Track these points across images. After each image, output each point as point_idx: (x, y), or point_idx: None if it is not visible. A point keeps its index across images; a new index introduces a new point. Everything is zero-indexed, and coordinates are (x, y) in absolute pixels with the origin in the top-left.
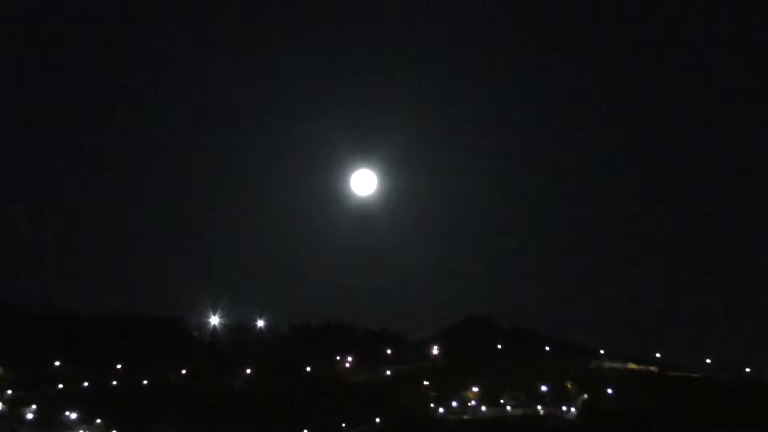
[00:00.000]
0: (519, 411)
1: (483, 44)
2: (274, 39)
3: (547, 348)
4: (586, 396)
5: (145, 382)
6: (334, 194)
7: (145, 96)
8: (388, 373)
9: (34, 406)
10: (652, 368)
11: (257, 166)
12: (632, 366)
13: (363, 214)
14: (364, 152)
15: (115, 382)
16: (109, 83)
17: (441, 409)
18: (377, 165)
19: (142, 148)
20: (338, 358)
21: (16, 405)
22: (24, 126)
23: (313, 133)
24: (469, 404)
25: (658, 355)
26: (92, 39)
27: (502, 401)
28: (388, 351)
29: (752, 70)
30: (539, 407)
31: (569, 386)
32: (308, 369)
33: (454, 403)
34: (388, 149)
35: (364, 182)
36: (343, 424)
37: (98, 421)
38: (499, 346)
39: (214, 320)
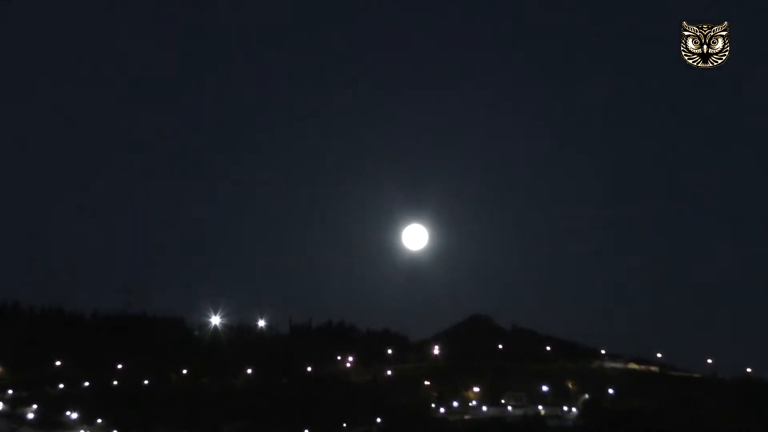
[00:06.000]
0: (520, 411)
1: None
2: (330, 97)
3: (548, 348)
4: (587, 396)
5: (146, 382)
6: (385, 248)
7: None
8: (389, 373)
9: (34, 406)
10: (653, 368)
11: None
12: (633, 366)
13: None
14: (415, 207)
15: (115, 382)
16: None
17: (442, 409)
18: (428, 220)
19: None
20: (339, 358)
21: (17, 404)
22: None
23: (365, 188)
24: (470, 404)
25: (659, 355)
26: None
27: (502, 401)
28: (389, 351)
29: None
30: (540, 407)
31: (570, 386)
32: (309, 369)
33: (455, 403)
34: (439, 204)
35: (415, 237)
36: (344, 424)
37: (99, 421)
38: (500, 346)
39: (215, 320)
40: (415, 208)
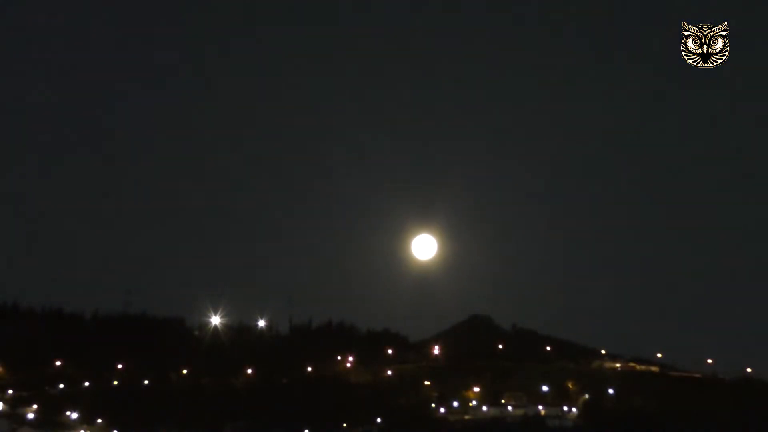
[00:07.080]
0: (520, 411)
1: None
2: (336, 103)
3: (548, 348)
4: (587, 396)
5: (146, 382)
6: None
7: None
8: (389, 372)
9: (35, 406)
10: (653, 368)
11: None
12: (633, 366)
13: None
14: (424, 218)
15: (115, 382)
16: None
17: (442, 409)
18: (437, 230)
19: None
20: (339, 357)
21: (17, 405)
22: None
23: (375, 198)
24: (470, 404)
25: (659, 355)
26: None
27: (502, 401)
28: (389, 351)
29: None
30: (540, 407)
31: (570, 386)
32: (309, 369)
33: (455, 403)
34: (448, 215)
35: (424, 247)
36: (344, 424)
37: (99, 420)
38: (500, 346)
39: (215, 320)
40: (424, 218)
